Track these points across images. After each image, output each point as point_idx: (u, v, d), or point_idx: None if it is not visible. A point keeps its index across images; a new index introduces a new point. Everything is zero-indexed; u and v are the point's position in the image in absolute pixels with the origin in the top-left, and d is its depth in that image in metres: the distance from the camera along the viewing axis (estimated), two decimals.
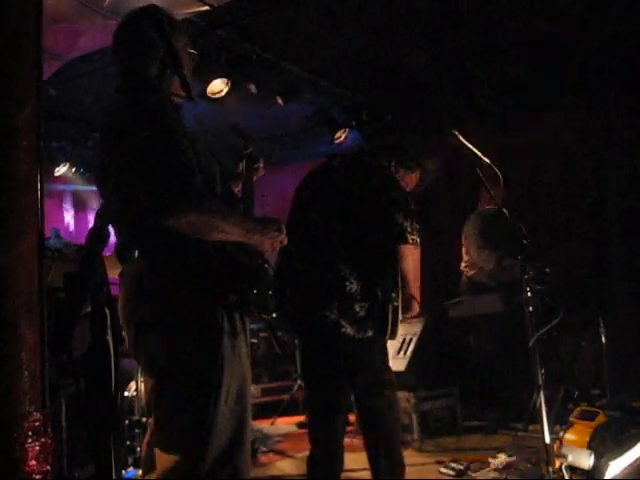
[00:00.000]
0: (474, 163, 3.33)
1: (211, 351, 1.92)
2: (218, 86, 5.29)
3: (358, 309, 2.98)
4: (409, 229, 3.02)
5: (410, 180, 3.42)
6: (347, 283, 3.00)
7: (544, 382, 3.09)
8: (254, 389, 5.55)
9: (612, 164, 5.45)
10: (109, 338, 1.12)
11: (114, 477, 1.18)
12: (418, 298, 3.13)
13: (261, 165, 2.63)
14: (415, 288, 3.11)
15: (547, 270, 4.20)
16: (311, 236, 3.16)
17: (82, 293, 1.09)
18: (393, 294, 3.02)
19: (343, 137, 6.78)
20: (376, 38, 5.25)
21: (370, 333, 3.00)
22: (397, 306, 3.02)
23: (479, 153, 3.30)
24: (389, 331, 3.00)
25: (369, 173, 3.19)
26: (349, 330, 2.98)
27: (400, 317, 3.03)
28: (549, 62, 5.40)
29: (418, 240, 3.06)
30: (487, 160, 3.31)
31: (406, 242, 3.01)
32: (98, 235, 1.21)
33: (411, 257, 3.05)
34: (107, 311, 1.15)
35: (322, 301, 3.02)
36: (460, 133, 3.26)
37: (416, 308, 3.16)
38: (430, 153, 3.58)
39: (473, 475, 3.80)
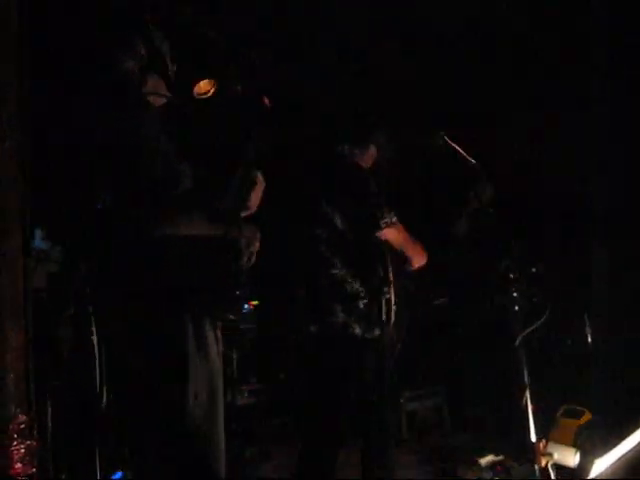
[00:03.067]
0: (460, 164, 3.34)
1: (175, 354, 1.90)
2: (204, 87, 5.26)
3: (362, 307, 3.01)
4: (378, 214, 3.03)
5: (369, 158, 3.34)
6: (346, 284, 3.02)
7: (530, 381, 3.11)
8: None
9: (596, 164, 5.48)
10: (94, 338, 1.10)
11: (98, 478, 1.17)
12: (416, 252, 3.17)
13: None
14: (410, 248, 3.15)
15: (533, 270, 4.21)
16: (303, 242, 3.19)
17: (65, 294, 1.07)
18: (384, 288, 3.03)
19: None
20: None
21: (377, 332, 3.01)
22: (389, 299, 3.03)
23: (465, 154, 3.31)
24: (384, 325, 3.00)
25: (330, 169, 3.22)
26: (357, 330, 3.00)
27: (394, 311, 3.04)
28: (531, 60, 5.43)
29: (393, 219, 3.07)
30: (473, 161, 3.32)
31: (380, 229, 3.03)
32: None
33: (392, 235, 3.06)
34: (91, 311, 1.14)
35: (326, 307, 3.03)
36: (446, 134, 3.27)
37: (420, 260, 3.21)
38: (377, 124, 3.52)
39: (460, 474, 3.81)
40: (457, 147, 3.28)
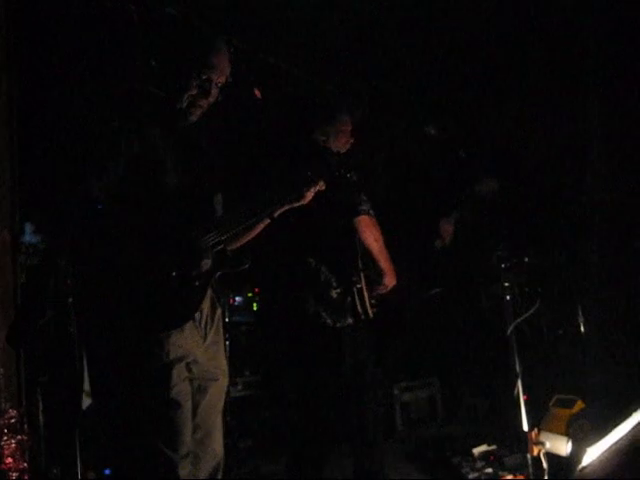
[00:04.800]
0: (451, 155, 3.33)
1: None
2: None
3: (335, 296, 2.99)
4: (357, 201, 3.03)
5: (343, 138, 3.28)
6: (320, 273, 3.01)
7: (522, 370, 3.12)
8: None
9: (589, 156, 5.49)
10: (73, 331, 1.09)
11: (79, 476, 1.17)
12: (390, 269, 3.14)
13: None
14: (384, 260, 3.13)
15: (526, 260, 4.22)
16: (281, 231, 3.17)
17: (44, 288, 1.06)
18: (354, 278, 3.02)
19: None
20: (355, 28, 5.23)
21: (350, 320, 3.00)
22: (361, 288, 3.03)
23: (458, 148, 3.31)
24: (360, 313, 3.00)
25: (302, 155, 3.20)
26: (329, 320, 2.98)
27: (367, 297, 3.04)
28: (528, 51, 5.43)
29: (370, 211, 3.06)
30: (463, 154, 3.32)
31: (358, 214, 3.02)
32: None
33: (368, 229, 3.05)
34: (71, 307, 1.12)
35: (299, 294, 3.02)
36: (438, 125, 3.27)
37: (391, 280, 3.17)
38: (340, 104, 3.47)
39: (454, 464, 3.82)
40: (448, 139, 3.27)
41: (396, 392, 4.86)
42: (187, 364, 2.10)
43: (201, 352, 2.17)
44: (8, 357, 2.73)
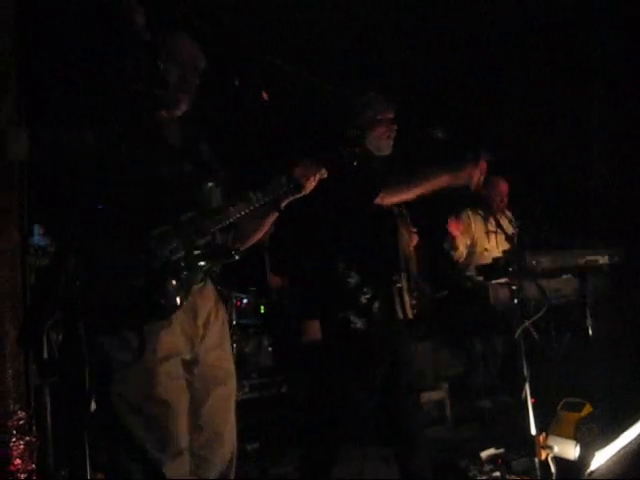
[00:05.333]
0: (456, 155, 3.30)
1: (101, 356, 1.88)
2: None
3: (364, 301, 2.92)
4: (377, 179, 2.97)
5: (381, 129, 3.20)
6: (348, 278, 2.95)
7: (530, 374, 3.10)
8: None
9: (595, 153, 5.49)
10: (82, 333, 1.09)
11: (88, 477, 1.17)
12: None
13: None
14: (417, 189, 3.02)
15: (534, 262, 4.21)
16: (307, 237, 3.15)
17: (53, 289, 1.06)
18: (394, 277, 2.96)
19: None
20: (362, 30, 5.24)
21: (380, 325, 2.94)
22: (401, 287, 2.96)
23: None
24: (399, 313, 2.95)
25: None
26: (359, 324, 2.92)
27: (407, 298, 2.98)
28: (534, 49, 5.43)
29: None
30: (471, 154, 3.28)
31: (378, 194, 2.95)
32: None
33: (392, 195, 2.99)
34: (80, 308, 1.13)
35: (329, 301, 3.00)
36: (445, 130, 3.24)
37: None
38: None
39: (462, 468, 3.81)
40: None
41: None
42: (187, 364, 2.09)
43: (202, 353, 2.15)
44: (16, 357, 2.75)
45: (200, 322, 2.14)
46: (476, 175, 3.04)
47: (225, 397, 2.27)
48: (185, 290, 1.99)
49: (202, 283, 2.15)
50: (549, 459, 3.15)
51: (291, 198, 2.34)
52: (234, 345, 5.21)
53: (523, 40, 5.30)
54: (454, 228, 4.87)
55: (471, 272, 4.99)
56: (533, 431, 3.06)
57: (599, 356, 4.51)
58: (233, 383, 2.32)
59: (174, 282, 1.95)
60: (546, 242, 4.91)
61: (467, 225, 5.16)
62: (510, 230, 4.69)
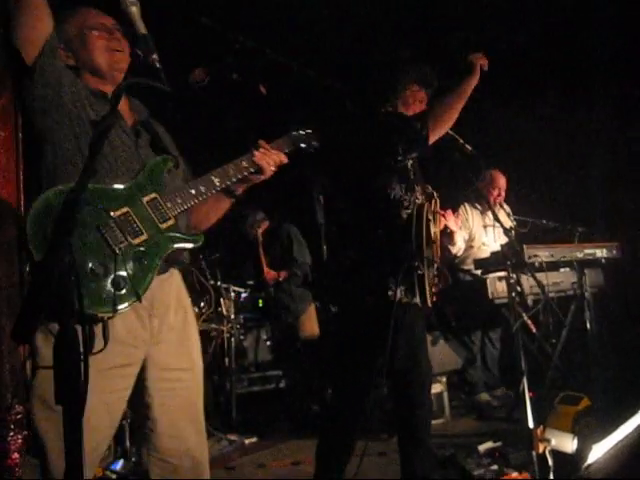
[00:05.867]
0: (458, 152, 3.27)
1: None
2: (199, 75, 5.24)
3: (404, 273, 2.82)
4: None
5: (417, 108, 3.09)
6: (380, 260, 2.86)
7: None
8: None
9: (596, 159, 5.51)
10: (77, 328, 1.09)
11: (86, 474, 1.16)
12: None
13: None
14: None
15: (537, 257, 4.23)
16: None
17: (47, 280, 1.05)
18: (416, 262, 2.84)
19: None
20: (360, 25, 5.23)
21: (417, 299, 2.87)
22: (422, 274, 2.85)
23: (462, 140, 3.26)
24: (418, 300, 2.87)
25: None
26: (399, 293, 2.80)
27: (428, 284, 2.86)
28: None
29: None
30: (470, 148, 3.27)
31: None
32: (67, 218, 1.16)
33: (437, 122, 2.85)
34: (75, 299, 1.12)
35: (369, 267, 2.88)
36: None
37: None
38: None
39: (459, 461, 3.82)
40: (453, 133, 3.24)
41: None
42: (136, 368, 1.93)
43: (157, 354, 1.98)
44: (14, 352, 2.75)
45: (156, 320, 1.98)
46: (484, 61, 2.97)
47: (188, 397, 2.08)
48: (139, 283, 1.82)
49: (166, 273, 2.02)
50: (546, 452, 3.15)
51: (250, 184, 2.23)
52: (232, 339, 5.23)
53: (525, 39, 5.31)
54: (451, 223, 4.86)
55: (469, 266, 5.01)
56: (531, 424, 3.07)
57: (597, 349, 4.53)
58: (197, 380, 2.12)
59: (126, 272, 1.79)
60: (544, 236, 4.92)
61: (464, 219, 5.16)
62: (508, 224, 4.70)
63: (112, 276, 1.75)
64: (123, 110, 2.07)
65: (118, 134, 1.99)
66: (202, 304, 5.06)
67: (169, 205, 1.94)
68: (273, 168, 2.22)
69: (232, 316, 5.29)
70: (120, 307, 1.76)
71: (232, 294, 5.39)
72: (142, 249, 1.83)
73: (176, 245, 1.93)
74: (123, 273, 1.77)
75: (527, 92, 5.67)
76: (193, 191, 2.01)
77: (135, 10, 1.67)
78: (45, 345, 1.78)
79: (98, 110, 1.97)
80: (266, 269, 5.80)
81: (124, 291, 1.76)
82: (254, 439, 4.71)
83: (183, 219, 2.07)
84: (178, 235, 1.95)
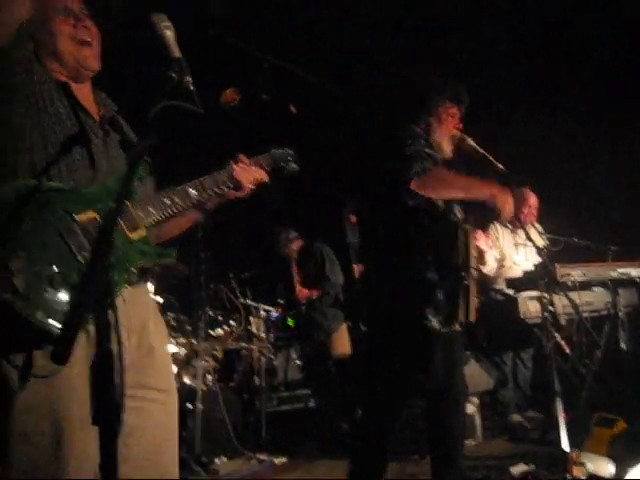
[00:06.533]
0: (490, 170, 3.25)
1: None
2: (230, 95, 5.32)
3: (440, 297, 2.81)
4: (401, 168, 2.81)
5: (450, 124, 3.10)
6: (425, 272, 2.83)
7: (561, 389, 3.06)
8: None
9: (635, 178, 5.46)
10: (113, 346, 1.09)
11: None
12: (493, 193, 2.84)
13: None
14: (476, 191, 2.86)
15: (570, 276, 4.18)
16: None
17: (86, 299, 1.05)
18: (462, 273, 2.83)
19: None
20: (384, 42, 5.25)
21: (457, 327, 2.85)
22: (467, 285, 2.82)
23: (493, 159, 3.25)
24: (461, 315, 2.84)
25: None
26: (434, 323, 2.79)
27: (472, 299, 2.84)
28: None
29: (424, 164, 2.83)
30: (502, 167, 3.25)
31: (404, 184, 2.79)
32: (106, 235, 1.15)
33: (426, 187, 2.80)
34: (112, 317, 1.13)
35: (404, 295, 2.87)
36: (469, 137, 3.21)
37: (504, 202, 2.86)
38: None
39: None
40: (484, 151, 3.22)
41: None
42: None
43: (134, 368, 1.75)
44: None
45: (134, 336, 1.79)
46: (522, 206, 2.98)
47: (160, 423, 1.87)
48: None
49: (140, 286, 1.86)
50: (582, 477, 3.09)
51: (224, 199, 2.08)
52: (262, 358, 5.23)
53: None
54: (482, 242, 4.82)
55: (500, 285, 4.96)
56: (565, 447, 3.01)
57: (632, 370, 4.43)
58: (171, 402, 1.92)
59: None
60: (577, 254, 4.86)
61: (495, 238, 5.13)
62: (540, 242, 4.65)
63: (70, 286, 1.56)
64: (88, 104, 1.90)
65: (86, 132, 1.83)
66: (232, 322, 5.08)
67: (140, 214, 1.79)
68: (251, 186, 2.09)
69: (262, 335, 5.30)
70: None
71: (262, 313, 5.40)
72: (112, 261, 1.63)
73: (146, 258, 1.77)
74: None
75: (562, 108, 5.64)
76: (167, 201, 1.87)
77: (170, 34, 1.63)
78: (41, 356, 1.56)
79: (59, 104, 1.80)
80: (298, 287, 5.82)
81: None
82: (284, 459, 4.69)
83: (155, 231, 1.92)
84: (148, 248, 1.79)
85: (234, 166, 2.06)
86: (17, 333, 1.55)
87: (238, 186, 2.05)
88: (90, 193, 1.72)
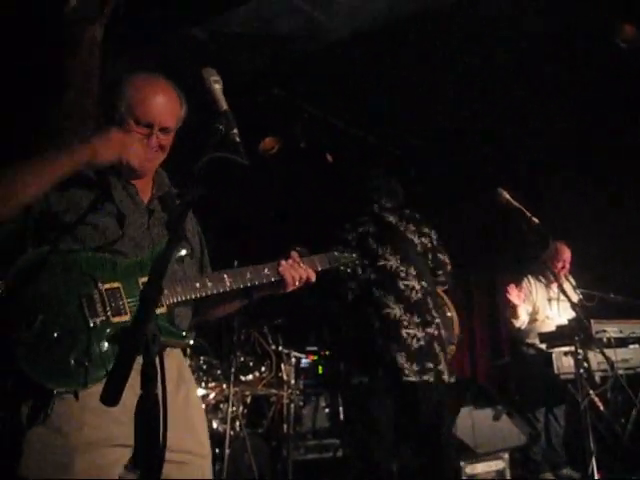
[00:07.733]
0: (520, 224, 3.26)
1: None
2: (269, 143, 5.42)
3: (415, 345, 3.04)
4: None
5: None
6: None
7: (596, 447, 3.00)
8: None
9: None
10: (158, 392, 1.11)
11: None
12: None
13: None
14: None
15: (605, 332, 4.13)
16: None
17: (136, 344, 1.08)
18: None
19: None
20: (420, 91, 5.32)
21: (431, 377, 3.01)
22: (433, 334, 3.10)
23: (528, 213, 3.26)
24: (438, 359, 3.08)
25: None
26: (445, 375, 3.03)
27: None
28: None
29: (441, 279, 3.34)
30: (536, 220, 3.26)
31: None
32: (156, 282, 1.19)
33: None
34: (158, 363, 1.16)
35: (423, 355, 3.04)
36: (506, 192, 3.24)
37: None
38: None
39: None
40: (519, 205, 3.24)
41: (462, 464, 4.71)
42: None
43: None
44: None
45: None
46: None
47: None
48: (109, 360, 1.66)
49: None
50: None
51: (266, 293, 2.05)
52: (291, 405, 5.21)
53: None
54: (515, 296, 4.79)
55: (533, 339, 4.91)
56: None
57: None
58: (203, 465, 1.89)
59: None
60: (613, 310, 4.80)
61: (528, 292, 5.09)
62: (574, 297, 4.61)
63: (77, 349, 1.62)
64: (142, 185, 1.97)
65: (132, 210, 1.89)
66: (263, 369, 5.08)
67: (165, 292, 1.79)
68: (298, 284, 2.03)
69: (292, 382, 5.29)
70: (84, 382, 1.61)
71: (293, 359, 5.40)
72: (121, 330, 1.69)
73: (161, 334, 1.68)
74: (93, 348, 1.64)
75: (594, 166, 5.65)
76: (198, 284, 1.87)
77: (218, 88, 1.68)
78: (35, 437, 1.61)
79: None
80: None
81: (87, 365, 1.62)
82: None
83: (185, 311, 1.94)
84: (166, 326, 1.79)
85: (282, 262, 2.01)
86: (15, 384, 1.62)
87: (282, 282, 2.01)
88: (123, 265, 1.78)
